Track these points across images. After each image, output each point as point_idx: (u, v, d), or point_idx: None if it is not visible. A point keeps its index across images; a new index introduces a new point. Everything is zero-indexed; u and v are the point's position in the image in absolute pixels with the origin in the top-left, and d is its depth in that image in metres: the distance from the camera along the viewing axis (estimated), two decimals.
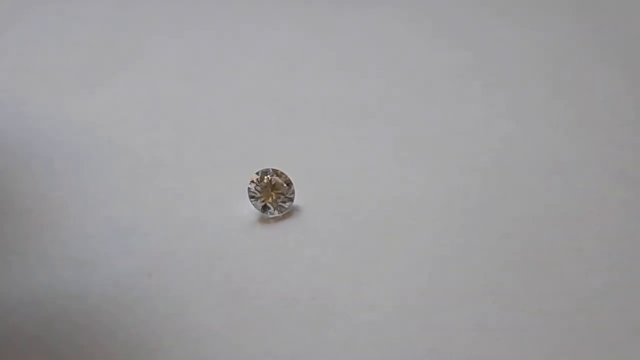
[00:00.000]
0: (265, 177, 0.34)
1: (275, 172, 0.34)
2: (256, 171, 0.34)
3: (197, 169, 0.37)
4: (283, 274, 0.32)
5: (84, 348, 0.28)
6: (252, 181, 0.34)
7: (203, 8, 0.50)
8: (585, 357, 0.28)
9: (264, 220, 0.34)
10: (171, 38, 0.48)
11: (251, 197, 0.34)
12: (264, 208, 0.34)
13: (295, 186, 0.35)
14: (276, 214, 0.34)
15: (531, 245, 0.33)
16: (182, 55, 0.46)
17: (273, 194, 0.34)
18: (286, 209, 0.34)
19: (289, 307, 0.30)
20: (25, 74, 0.44)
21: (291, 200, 0.34)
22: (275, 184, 0.34)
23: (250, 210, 0.35)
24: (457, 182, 0.36)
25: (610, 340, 0.29)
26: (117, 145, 0.38)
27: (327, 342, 0.29)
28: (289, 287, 0.31)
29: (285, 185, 0.34)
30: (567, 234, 0.33)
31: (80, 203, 0.35)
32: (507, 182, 0.36)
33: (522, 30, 0.48)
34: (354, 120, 0.40)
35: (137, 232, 0.33)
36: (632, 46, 0.46)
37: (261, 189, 0.34)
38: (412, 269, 0.32)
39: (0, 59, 0.45)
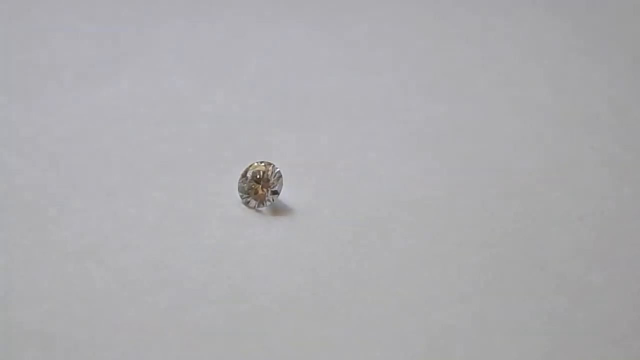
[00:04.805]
0: (249, 172, 0.34)
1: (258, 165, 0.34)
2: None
3: (201, 164, 0.37)
4: (284, 270, 0.32)
5: (85, 342, 0.29)
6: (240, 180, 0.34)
7: (209, 3, 0.50)
8: (585, 356, 0.28)
9: (265, 216, 0.34)
10: (177, 34, 0.48)
11: (241, 196, 0.34)
12: (259, 203, 0.34)
13: (297, 182, 0.35)
14: (267, 204, 0.34)
15: (532, 243, 0.33)
16: (187, 50, 0.46)
17: (259, 187, 0.34)
18: (271, 201, 0.34)
19: (289, 304, 0.30)
20: (31, 69, 0.44)
21: (276, 193, 0.34)
22: (260, 177, 0.34)
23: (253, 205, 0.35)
24: (459, 180, 0.36)
25: (609, 339, 0.29)
26: (121, 140, 0.38)
27: (327, 339, 0.29)
28: (289, 284, 0.31)
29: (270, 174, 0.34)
30: (568, 232, 0.33)
31: (84, 198, 0.35)
32: (509, 180, 0.36)
33: (526, 29, 0.48)
34: (358, 117, 0.40)
35: (140, 227, 0.33)
36: (637, 45, 0.46)
37: (247, 186, 0.34)
38: (413, 266, 0.32)
39: (5, 54, 0.46)
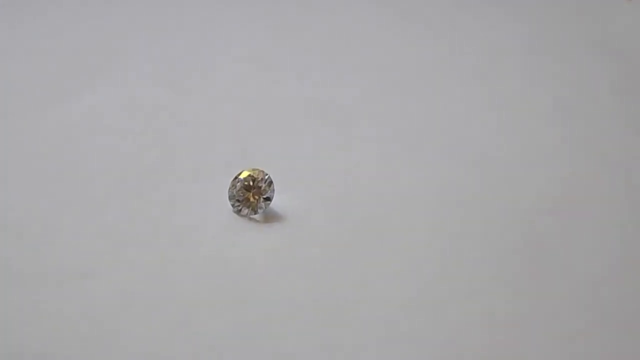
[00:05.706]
0: (239, 183, 0.34)
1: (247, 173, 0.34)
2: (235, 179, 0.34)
3: (185, 175, 0.37)
4: (285, 277, 0.31)
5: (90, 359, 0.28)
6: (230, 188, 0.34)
7: (179, 11, 0.50)
8: (589, 340, 0.29)
9: (258, 224, 0.34)
10: (148, 45, 0.47)
11: (233, 205, 0.34)
12: (251, 211, 0.34)
13: (286, 188, 0.35)
14: (260, 211, 0.34)
15: (526, 233, 0.33)
16: (159, 61, 0.46)
17: (251, 195, 0.34)
18: (263, 208, 0.34)
19: (293, 309, 0.30)
20: (5, 85, 0.43)
21: (268, 200, 0.34)
22: (250, 184, 0.34)
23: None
24: (446, 176, 0.36)
25: (609, 335, 0.29)
26: (103, 154, 0.38)
27: (332, 340, 0.29)
28: (291, 290, 0.31)
29: (262, 180, 0.34)
30: (559, 219, 0.34)
31: (72, 215, 0.34)
32: (494, 172, 0.37)
33: (493, 26, 0.48)
34: (337, 120, 0.40)
35: (133, 242, 0.33)
36: (607, 34, 0.47)
37: (238, 195, 0.34)
38: (413, 263, 0.32)
39: None
